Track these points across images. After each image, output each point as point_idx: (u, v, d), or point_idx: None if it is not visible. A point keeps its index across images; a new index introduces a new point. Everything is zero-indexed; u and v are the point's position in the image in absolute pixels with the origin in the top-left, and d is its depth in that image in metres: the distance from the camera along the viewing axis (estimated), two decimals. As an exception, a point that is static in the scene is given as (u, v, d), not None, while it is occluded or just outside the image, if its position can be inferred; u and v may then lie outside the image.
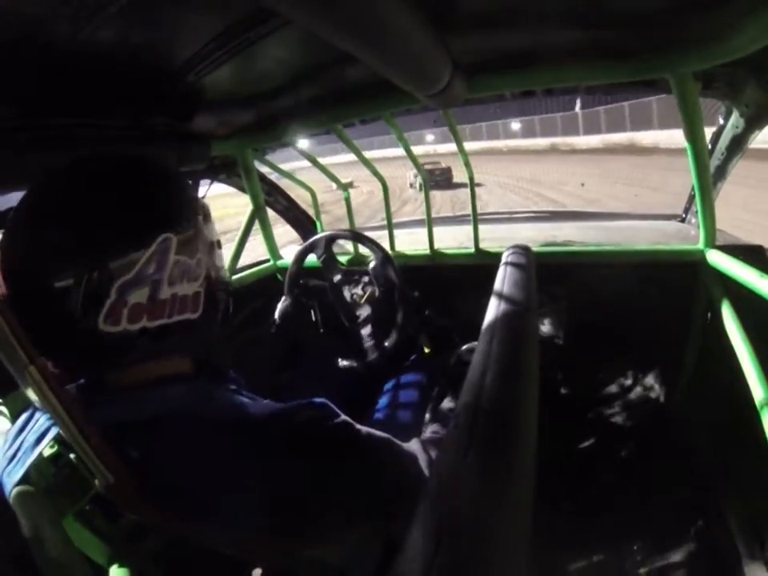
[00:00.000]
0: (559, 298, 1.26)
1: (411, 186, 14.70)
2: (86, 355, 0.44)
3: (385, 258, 1.10)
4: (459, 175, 12.96)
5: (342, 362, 1.11)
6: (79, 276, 0.40)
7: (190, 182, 1.24)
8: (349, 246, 1.45)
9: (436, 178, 14.46)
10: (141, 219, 0.44)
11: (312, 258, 1.23)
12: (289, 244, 1.75)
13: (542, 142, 22.30)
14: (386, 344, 1.09)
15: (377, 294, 1.14)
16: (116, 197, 0.43)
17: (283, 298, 1.12)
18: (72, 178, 0.44)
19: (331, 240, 1.21)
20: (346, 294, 1.19)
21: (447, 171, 15.30)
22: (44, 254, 0.41)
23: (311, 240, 1.24)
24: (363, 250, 1.35)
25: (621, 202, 7.84)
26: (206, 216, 0.51)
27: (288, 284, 1.21)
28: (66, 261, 0.40)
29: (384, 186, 1.42)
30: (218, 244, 0.54)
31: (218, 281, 0.53)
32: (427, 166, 14.18)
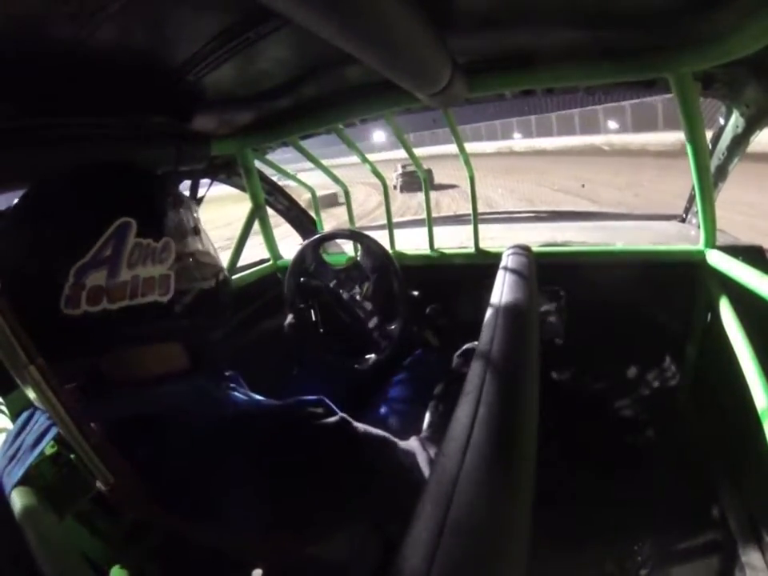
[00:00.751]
0: (559, 298, 1.26)
1: (395, 187, 14.10)
2: (59, 342, 0.44)
3: (374, 247, 1.10)
4: (440, 178, 12.61)
5: (342, 361, 1.11)
6: (41, 264, 0.43)
7: (188, 180, 1.24)
8: (348, 246, 1.46)
9: (415, 179, 13.94)
10: (95, 208, 0.46)
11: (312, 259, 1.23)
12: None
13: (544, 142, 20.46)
14: (387, 344, 1.09)
15: (371, 288, 1.14)
16: (73, 191, 0.47)
17: (289, 316, 1.14)
18: (44, 181, 0.48)
19: (317, 245, 1.22)
20: (345, 293, 1.19)
21: (427, 172, 15.17)
22: (12, 249, 0.44)
23: (307, 241, 1.25)
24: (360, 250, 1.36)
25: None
26: (177, 202, 0.53)
27: (288, 284, 1.21)
28: (29, 253, 0.44)
29: (384, 185, 1.42)
30: (196, 230, 0.54)
31: (197, 265, 0.53)
32: (408, 168, 13.85)
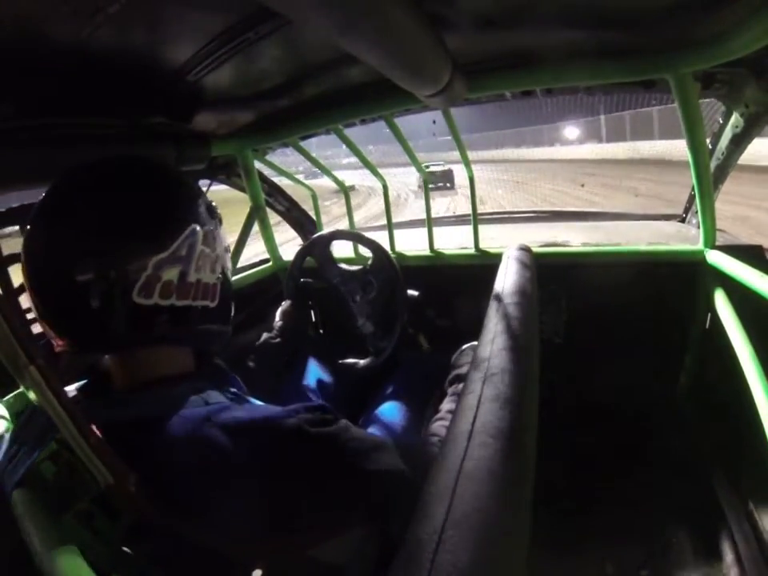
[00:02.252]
0: (559, 298, 1.26)
1: (419, 187, 15.10)
2: (122, 330, 0.46)
3: (384, 258, 1.09)
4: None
5: (342, 362, 1.11)
6: (119, 249, 0.44)
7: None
8: (349, 246, 1.46)
9: (437, 179, 15.08)
10: (175, 211, 0.49)
11: (311, 259, 1.23)
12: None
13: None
14: (386, 344, 1.09)
15: (374, 293, 1.13)
16: (151, 193, 0.49)
17: (284, 302, 1.12)
18: (102, 173, 0.49)
19: (329, 241, 1.21)
20: (346, 294, 1.19)
21: (449, 173, 15.99)
22: (84, 228, 0.44)
23: (311, 239, 1.24)
24: (363, 250, 1.35)
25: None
26: (221, 221, 0.57)
27: (288, 284, 1.21)
28: (111, 236, 0.45)
29: (384, 186, 1.42)
30: (228, 249, 0.58)
31: (229, 279, 0.57)
32: (431, 168, 15.20)
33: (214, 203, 0.57)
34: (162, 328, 0.48)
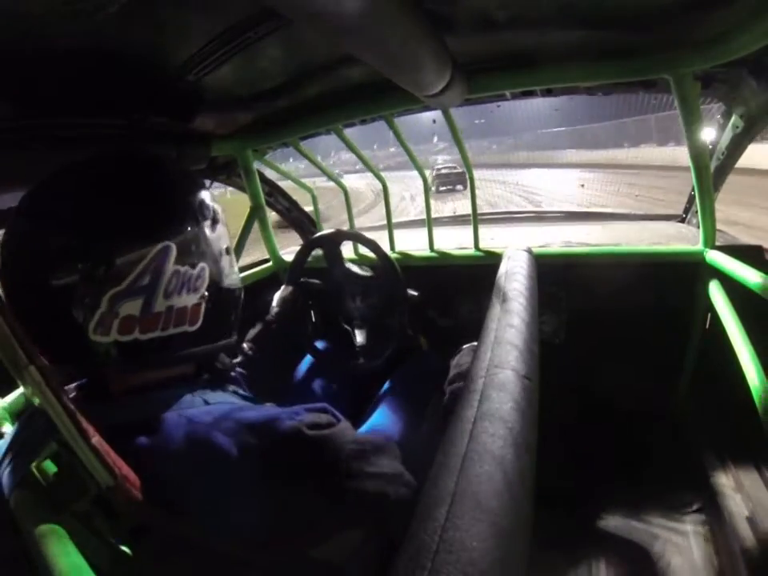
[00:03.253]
0: (559, 299, 1.26)
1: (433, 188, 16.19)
2: (80, 361, 0.43)
3: (389, 267, 1.07)
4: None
5: (341, 363, 1.11)
6: (71, 282, 0.39)
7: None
8: (348, 246, 1.45)
9: (451, 180, 16.09)
10: (137, 226, 0.42)
11: (312, 258, 1.22)
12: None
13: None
14: (386, 345, 1.09)
15: (376, 298, 1.13)
16: (112, 201, 0.42)
17: (282, 288, 1.10)
18: (67, 180, 0.43)
19: (340, 239, 1.20)
20: (347, 295, 1.18)
21: (461, 175, 16.43)
22: (38, 256, 0.40)
23: (314, 237, 1.24)
24: (363, 250, 1.35)
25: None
26: (215, 220, 0.49)
27: (288, 277, 1.20)
28: (58, 264, 0.39)
29: (384, 187, 1.42)
30: (228, 250, 0.51)
31: (226, 289, 0.50)
32: (443, 170, 16.40)
33: (208, 200, 0.49)
34: (131, 360, 0.43)
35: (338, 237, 1.15)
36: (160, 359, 0.45)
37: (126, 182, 0.44)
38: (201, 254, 0.46)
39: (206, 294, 0.47)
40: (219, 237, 0.49)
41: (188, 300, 0.45)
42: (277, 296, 1.04)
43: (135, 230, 0.42)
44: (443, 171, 16.53)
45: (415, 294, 1.15)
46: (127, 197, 0.43)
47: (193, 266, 0.45)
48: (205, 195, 0.49)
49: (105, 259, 0.40)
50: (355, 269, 1.16)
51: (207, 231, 0.47)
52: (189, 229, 0.45)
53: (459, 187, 15.83)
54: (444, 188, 15.95)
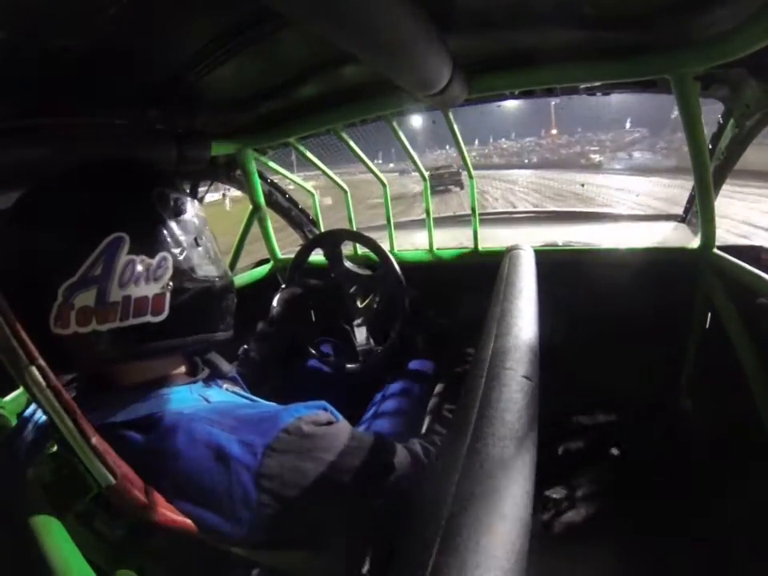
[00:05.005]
0: (559, 298, 1.25)
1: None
2: (53, 357, 0.43)
3: (389, 267, 1.06)
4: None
5: (341, 363, 1.11)
6: (28, 277, 0.41)
7: (189, 181, 1.23)
8: (349, 245, 1.45)
9: (445, 181, 16.27)
10: (85, 220, 0.43)
11: (312, 258, 1.22)
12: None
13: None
14: (385, 345, 1.09)
15: (377, 299, 1.13)
16: (62, 200, 0.44)
17: (282, 290, 1.10)
18: (38, 185, 0.46)
19: (342, 238, 1.19)
20: (347, 295, 1.18)
21: (456, 174, 17.04)
22: (10, 255, 0.43)
23: (314, 237, 1.24)
24: (362, 249, 1.35)
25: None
26: (178, 211, 0.49)
27: (288, 281, 1.20)
28: (19, 264, 0.42)
29: (384, 187, 1.42)
30: (198, 241, 0.51)
31: (201, 280, 0.50)
32: (441, 170, 17.22)
33: (172, 194, 0.49)
34: (100, 354, 0.43)
35: (337, 236, 1.15)
36: (129, 350, 0.45)
37: (76, 182, 0.46)
38: (160, 243, 0.46)
39: (170, 283, 0.46)
40: (186, 228, 0.49)
41: (148, 289, 0.45)
42: (277, 297, 1.04)
43: (85, 222, 0.43)
44: (439, 171, 17.13)
45: (416, 292, 1.14)
46: (75, 195, 0.45)
47: (151, 256, 0.45)
48: (168, 190, 0.50)
49: (58, 252, 0.42)
50: (355, 268, 1.16)
51: (169, 222, 0.48)
52: (143, 219, 0.46)
53: (456, 189, 16.55)
54: (440, 188, 16.53)
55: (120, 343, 0.44)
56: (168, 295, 0.46)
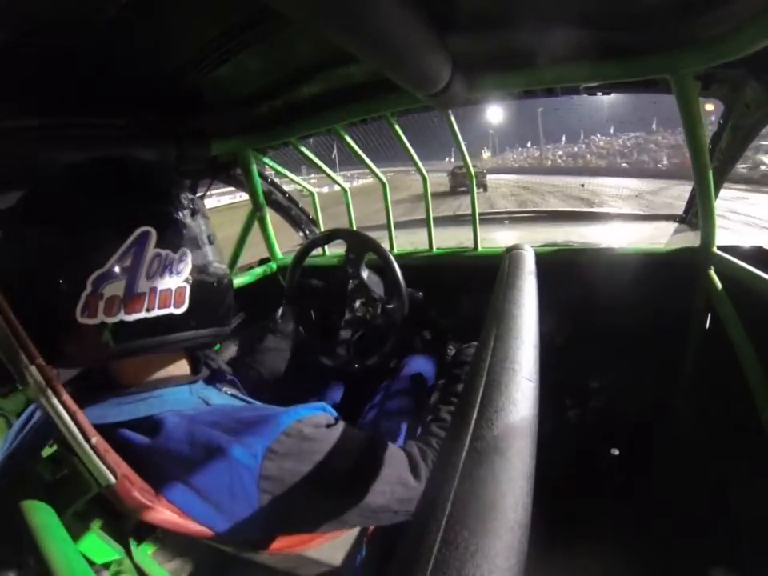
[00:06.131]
0: (559, 298, 1.25)
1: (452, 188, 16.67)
2: (73, 349, 0.44)
3: (390, 267, 1.05)
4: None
5: (340, 363, 1.11)
6: (56, 267, 0.41)
7: (189, 180, 1.23)
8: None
9: (467, 182, 16.01)
10: (116, 214, 0.44)
11: (312, 258, 1.22)
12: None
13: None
14: (385, 345, 1.09)
15: (377, 298, 1.13)
16: (94, 194, 0.45)
17: (284, 304, 1.10)
18: (54, 178, 0.46)
19: (337, 239, 1.19)
20: (348, 295, 1.18)
21: (481, 174, 16.70)
22: (25, 252, 0.43)
23: (313, 237, 1.24)
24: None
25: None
26: (195, 210, 0.51)
27: (288, 281, 1.20)
28: (43, 253, 0.42)
29: (384, 187, 1.42)
30: (210, 239, 0.53)
31: (212, 277, 0.52)
32: (464, 170, 16.80)
33: (187, 194, 0.52)
34: (120, 343, 0.44)
35: (334, 236, 1.15)
36: (150, 342, 0.46)
37: (104, 177, 0.47)
38: (181, 239, 0.48)
39: (190, 278, 0.48)
40: (200, 226, 0.52)
41: (171, 282, 0.47)
42: (279, 313, 1.06)
43: (115, 217, 0.44)
44: (463, 171, 16.63)
45: (419, 294, 1.14)
46: (107, 190, 0.46)
47: (174, 251, 0.47)
48: (183, 190, 0.52)
49: (88, 244, 0.42)
50: (370, 283, 1.16)
51: (187, 220, 0.50)
52: (167, 216, 0.48)
53: (478, 190, 15.87)
54: (462, 188, 15.87)
55: (144, 334, 0.45)
56: (188, 288, 0.48)
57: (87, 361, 0.46)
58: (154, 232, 0.45)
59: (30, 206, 0.45)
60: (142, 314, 0.44)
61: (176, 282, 0.47)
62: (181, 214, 0.49)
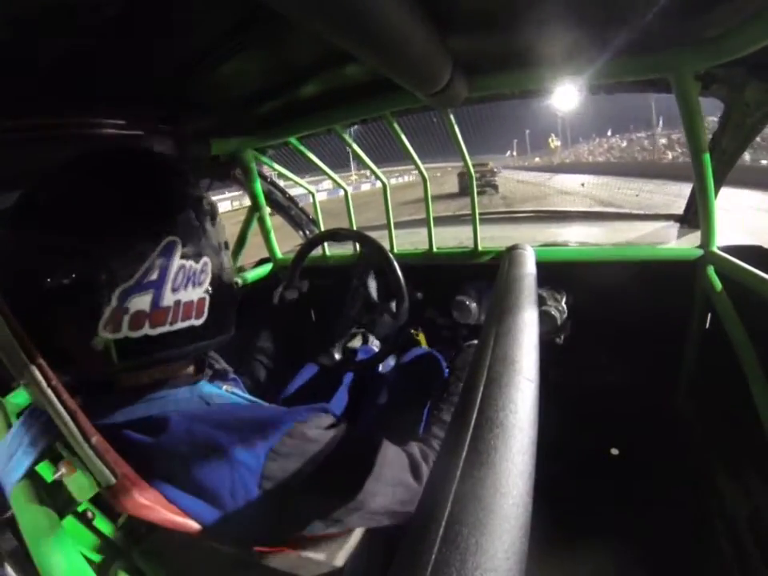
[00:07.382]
0: (559, 298, 1.26)
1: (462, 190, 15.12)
2: (86, 363, 0.42)
3: (390, 267, 1.05)
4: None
5: (340, 363, 1.11)
6: (79, 280, 0.39)
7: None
8: (349, 245, 1.46)
9: (478, 182, 15.51)
10: (143, 223, 0.42)
11: (312, 258, 1.22)
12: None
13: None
14: (385, 345, 1.09)
15: (377, 298, 1.13)
16: (117, 197, 0.42)
17: (281, 285, 1.09)
18: (71, 177, 0.43)
19: (339, 239, 1.19)
20: (347, 295, 1.18)
21: (490, 173, 15.16)
22: (41, 256, 0.40)
23: (313, 236, 1.24)
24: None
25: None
26: (214, 216, 0.49)
27: (288, 276, 1.20)
28: (64, 264, 0.39)
29: (384, 186, 1.42)
30: (225, 245, 0.52)
31: (226, 283, 0.50)
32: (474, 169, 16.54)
33: (204, 194, 0.49)
34: (139, 357, 0.43)
35: (336, 235, 1.15)
36: (168, 355, 0.45)
37: (127, 179, 0.44)
38: (203, 248, 0.46)
39: (210, 288, 0.47)
40: (218, 231, 0.50)
41: (194, 294, 0.45)
42: (279, 315, 1.04)
43: (142, 226, 0.42)
44: (479, 169, 15.05)
45: (419, 294, 1.14)
46: (131, 193, 0.43)
47: (197, 261, 0.45)
48: (202, 192, 0.50)
49: (114, 256, 0.40)
50: (373, 290, 1.16)
51: (207, 226, 0.48)
52: (191, 223, 0.45)
53: (490, 191, 14.44)
54: (482, 189, 14.62)
55: (165, 346, 0.43)
56: (208, 299, 0.47)
57: (103, 374, 0.44)
58: (179, 241, 0.43)
59: (42, 210, 0.41)
60: (166, 328, 0.43)
61: (198, 293, 0.46)
62: (202, 219, 0.47)
